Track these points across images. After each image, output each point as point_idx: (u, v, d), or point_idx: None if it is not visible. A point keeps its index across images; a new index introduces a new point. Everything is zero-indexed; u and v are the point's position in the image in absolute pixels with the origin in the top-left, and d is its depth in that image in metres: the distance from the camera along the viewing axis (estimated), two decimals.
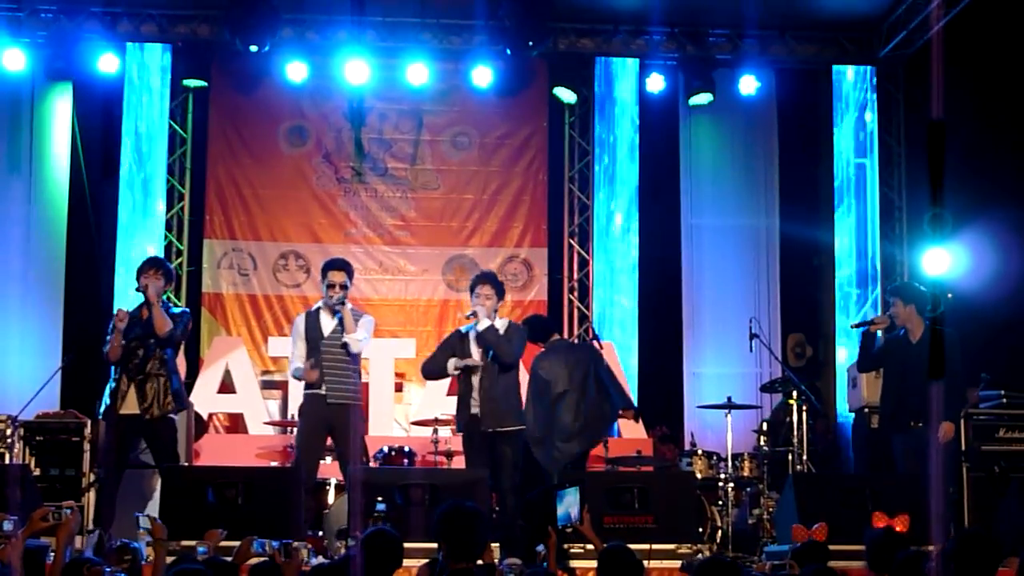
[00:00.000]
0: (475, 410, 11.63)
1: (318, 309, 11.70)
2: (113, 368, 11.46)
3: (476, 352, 11.70)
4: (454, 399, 14.28)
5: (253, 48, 15.38)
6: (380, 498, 10.50)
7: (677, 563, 10.52)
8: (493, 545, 10.40)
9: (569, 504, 9.50)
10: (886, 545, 8.15)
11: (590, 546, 9.87)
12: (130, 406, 11.37)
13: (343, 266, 11.79)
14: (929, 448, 11.52)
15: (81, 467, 13.11)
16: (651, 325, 16.54)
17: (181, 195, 16.58)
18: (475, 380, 11.65)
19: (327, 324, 11.58)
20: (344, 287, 11.55)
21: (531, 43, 15.48)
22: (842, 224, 16.71)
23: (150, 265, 11.65)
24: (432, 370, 12.12)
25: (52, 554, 7.77)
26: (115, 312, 11.59)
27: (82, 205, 16.07)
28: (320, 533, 11.82)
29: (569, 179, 17.12)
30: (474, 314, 11.69)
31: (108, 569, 7.35)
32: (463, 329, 11.98)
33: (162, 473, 11.22)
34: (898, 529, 10.03)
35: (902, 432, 11.83)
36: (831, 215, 16.79)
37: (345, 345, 11.51)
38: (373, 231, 16.68)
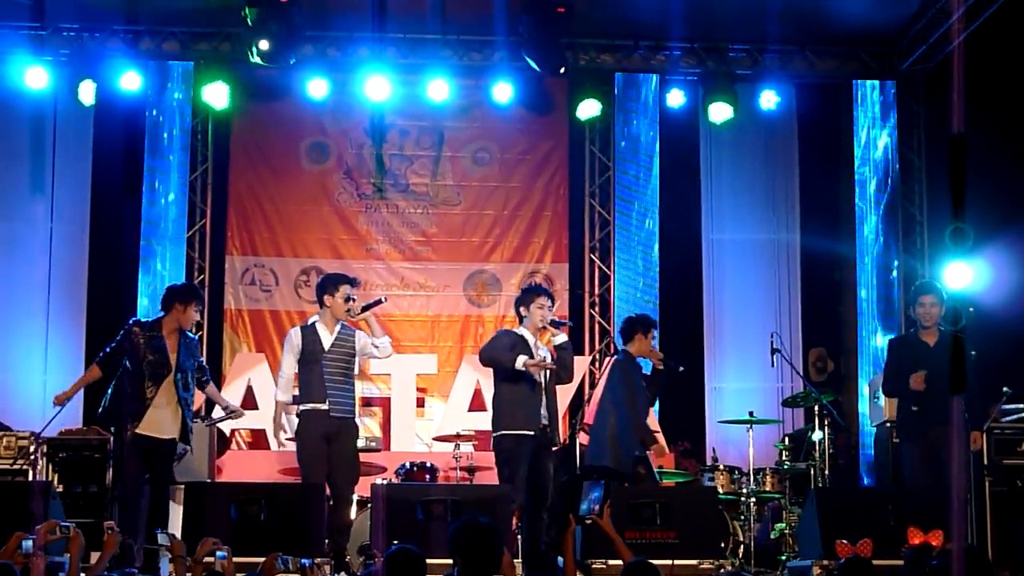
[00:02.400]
0: (544, 421, 11.58)
1: (314, 323, 11.71)
2: (130, 386, 11.51)
3: (538, 358, 11.64)
4: (476, 415, 14.37)
5: (269, 64, 15.39)
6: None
7: None
8: (516, 561, 10.45)
9: (593, 497, 9.51)
10: (924, 562, 8.16)
11: (613, 562, 9.88)
12: (151, 428, 11.41)
13: (355, 281, 12.02)
14: (941, 457, 11.53)
15: (104, 483, 13.16)
16: (672, 340, 16.50)
17: (203, 212, 16.62)
18: (542, 390, 11.63)
19: (326, 338, 11.59)
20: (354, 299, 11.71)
21: (555, 66, 15.47)
22: (863, 238, 16.69)
23: (194, 296, 11.84)
24: (493, 358, 11.77)
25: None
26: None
27: (105, 222, 16.12)
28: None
29: (590, 194, 17.12)
30: (556, 324, 11.82)
31: None
32: (518, 331, 11.90)
33: (185, 489, 11.26)
34: (934, 544, 10.00)
35: (917, 438, 11.81)
36: (852, 229, 16.77)
37: (376, 347, 11.69)
38: (394, 247, 16.70)
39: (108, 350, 11.68)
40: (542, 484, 11.49)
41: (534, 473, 11.53)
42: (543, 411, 11.55)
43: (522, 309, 11.87)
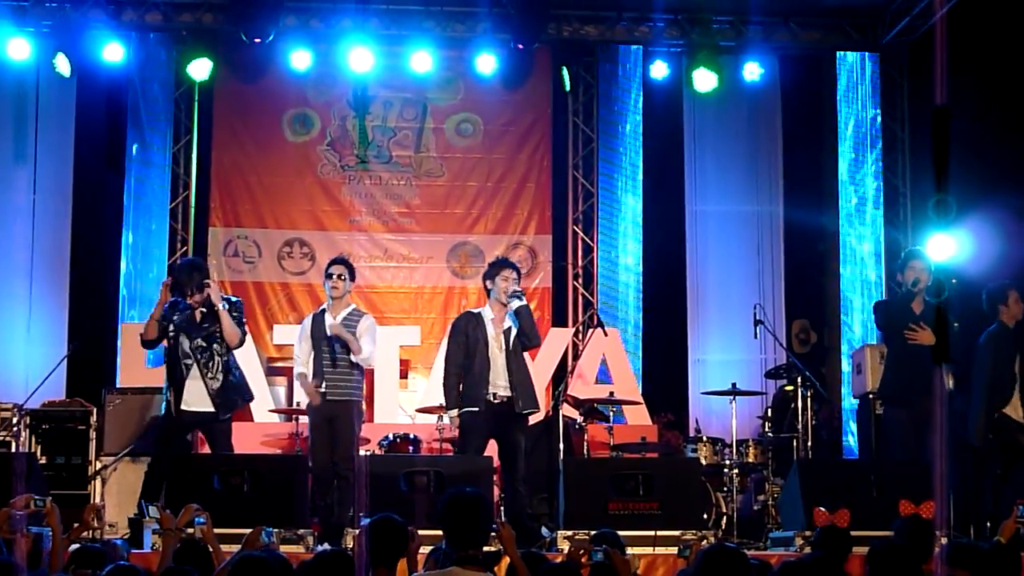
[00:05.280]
0: (495, 390, 11.59)
1: (323, 310, 12.11)
2: (170, 361, 11.68)
3: (492, 331, 11.70)
4: None
5: (256, 40, 15.35)
6: None
7: None
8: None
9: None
10: (914, 533, 8.19)
11: None
12: (195, 403, 11.48)
13: (342, 261, 12.41)
14: (927, 427, 11.58)
15: (87, 455, 13.17)
16: (655, 312, 16.55)
17: (186, 183, 16.56)
18: (499, 362, 11.68)
19: (331, 323, 11.94)
20: (341, 277, 12.03)
21: (532, 40, 15.43)
22: (846, 210, 16.69)
23: (195, 271, 11.81)
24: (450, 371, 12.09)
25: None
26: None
27: (87, 194, 16.07)
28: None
29: (573, 166, 17.10)
30: (516, 294, 11.80)
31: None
32: (475, 311, 12.06)
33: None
34: (924, 516, 10.01)
35: (904, 408, 11.84)
36: (835, 201, 16.76)
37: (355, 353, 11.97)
38: (377, 218, 16.67)
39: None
40: (508, 456, 11.57)
41: (501, 445, 11.64)
42: (502, 381, 11.63)
43: (488, 283, 12.01)
